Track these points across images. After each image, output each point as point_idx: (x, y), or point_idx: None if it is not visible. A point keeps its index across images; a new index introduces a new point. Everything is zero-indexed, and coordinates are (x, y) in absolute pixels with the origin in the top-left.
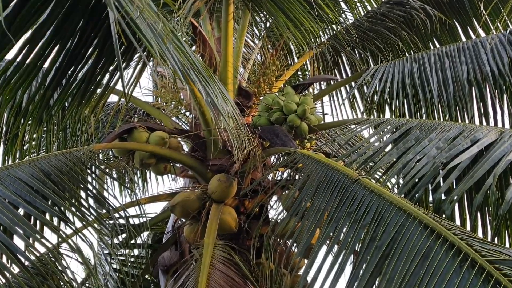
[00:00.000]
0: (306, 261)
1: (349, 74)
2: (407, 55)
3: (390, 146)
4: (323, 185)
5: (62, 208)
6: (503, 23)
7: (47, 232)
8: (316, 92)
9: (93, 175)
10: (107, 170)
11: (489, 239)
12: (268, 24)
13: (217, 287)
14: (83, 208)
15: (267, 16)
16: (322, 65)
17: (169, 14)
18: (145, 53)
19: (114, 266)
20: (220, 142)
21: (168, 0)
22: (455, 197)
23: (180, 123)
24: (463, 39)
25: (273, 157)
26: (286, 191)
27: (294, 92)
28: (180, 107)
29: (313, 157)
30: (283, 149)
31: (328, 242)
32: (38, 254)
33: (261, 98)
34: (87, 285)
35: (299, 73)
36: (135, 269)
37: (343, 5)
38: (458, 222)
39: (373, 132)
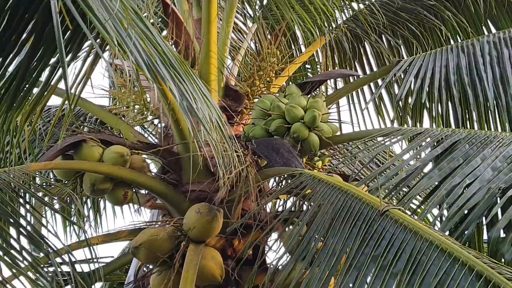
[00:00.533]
0: None
1: (374, 69)
2: (452, 43)
3: (430, 165)
4: (339, 218)
5: None
6: None
7: None
8: (330, 92)
9: (27, 206)
10: (46, 199)
11: None
12: (265, 1)
13: None
14: (13, 251)
15: None
16: (338, 56)
17: None
18: (98, 40)
19: None
20: (200, 161)
21: None
22: None
23: (146, 135)
24: None
25: (272, 180)
26: (290, 227)
27: (300, 93)
28: (145, 112)
29: (326, 180)
30: (285, 170)
31: None
32: None
33: (256, 100)
34: None
35: (308, 67)
36: None
37: None
38: None
39: (407, 146)
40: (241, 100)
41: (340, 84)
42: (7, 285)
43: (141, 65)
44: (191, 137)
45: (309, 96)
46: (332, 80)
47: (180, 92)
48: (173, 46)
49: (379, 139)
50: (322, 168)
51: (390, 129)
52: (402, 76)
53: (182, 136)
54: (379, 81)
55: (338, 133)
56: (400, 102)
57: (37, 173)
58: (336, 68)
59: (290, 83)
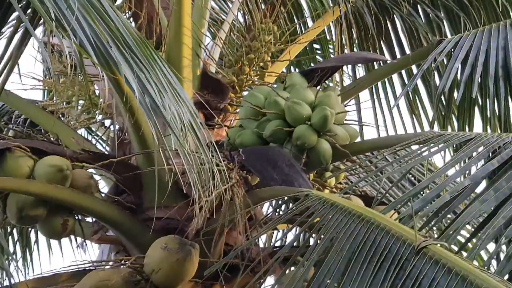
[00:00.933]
0: None
1: (407, 52)
2: None
3: (483, 184)
4: (359, 257)
5: None
6: None
7: None
8: (347, 83)
9: None
10: None
11: None
12: None
13: None
14: None
15: None
16: (357, 33)
17: None
18: (28, 11)
19: None
20: (167, 177)
21: None
22: None
23: (94, 141)
24: None
25: (266, 205)
26: (292, 269)
27: (306, 84)
28: (93, 111)
29: (341, 205)
30: (284, 191)
31: None
32: None
33: (245, 94)
34: None
35: (316, 47)
36: None
37: None
38: None
39: (452, 158)
40: (224, 93)
41: (360, 72)
42: None
43: (86, 46)
44: (156, 145)
45: (318, 88)
46: (349, 67)
47: (140, 83)
48: (131, 20)
49: (414, 147)
50: (336, 187)
51: (428, 134)
52: (445, 61)
53: (143, 143)
54: (414, 68)
55: (358, 140)
56: (442, 97)
57: None
58: (355, 50)
59: (292, 70)
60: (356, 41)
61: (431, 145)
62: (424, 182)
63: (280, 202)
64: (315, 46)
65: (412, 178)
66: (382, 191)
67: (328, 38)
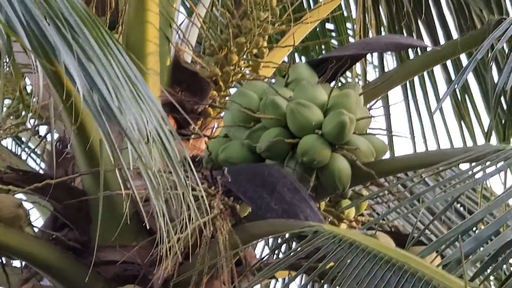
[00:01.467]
0: None
1: (454, 36)
2: None
3: None
4: None
5: None
6: None
7: None
8: (371, 79)
9: None
10: None
11: None
12: None
13: None
14: None
15: None
16: (386, 10)
17: None
18: None
19: None
20: (125, 206)
21: None
22: None
23: (25, 155)
24: None
25: (261, 244)
26: None
27: (317, 79)
28: (23, 114)
29: (362, 245)
30: (286, 225)
31: None
32: None
33: (233, 92)
34: None
35: (330, 28)
36: None
37: None
38: None
39: None
40: (203, 91)
41: (390, 63)
42: None
43: (15, 25)
44: (109, 161)
45: (332, 85)
46: (375, 56)
47: (87, 76)
48: None
49: (463, 167)
50: (357, 220)
51: (483, 149)
52: (506, 49)
53: (92, 159)
54: (463, 59)
55: (387, 156)
56: (502, 99)
57: None
58: (382, 33)
59: (297, 59)
60: (385, 21)
61: (487, 163)
62: (477, 215)
63: (279, 240)
64: (328, 26)
65: (461, 209)
66: (419, 226)
67: (346, 16)
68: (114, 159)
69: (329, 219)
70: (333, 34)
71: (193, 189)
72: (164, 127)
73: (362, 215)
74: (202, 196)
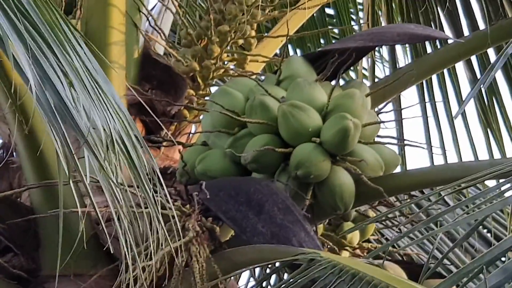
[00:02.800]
0: None
1: (481, 26)
2: None
3: None
4: None
5: None
6: None
7: None
8: (381, 77)
9: None
10: None
11: None
12: None
13: None
14: None
15: None
16: None
17: None
18: None
19: None
20: (81, 227)
21: None
22: None
23: None
24: None
25: (246, 274)
26: None
27: (314, 76)
28: None
29: (368, 277)
30: (276, 252)
31: None
32: None
33: (214, 91)
34: None
35: (330, 13)
36: None
37: None
38: None
39: None
40: (178, 89)
41: (404, 58)
42: None
43: None
44: (63, 173)
45: (334, 83)
46: (386, 49)
47: (39, 69)
48: None
49: (490, 184)
50: (362, 247)
51: None
52: None
53: (43, 170)
54: (491, 53)
55: (399, 170)
56: None
57: None
58: (395, 22)
59: (291, 52)
60: (399, 7)
61: None
62: (506, 241)
63: (268, 270)
64: (329, 12)
65: (487, 234)
66: (436, 254)
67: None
68: (70, 169)
69: (328, 246)
70: (334, 21)
71: (163, 208)
72: (130, 132)
73: (368, 241)
74: (174, 216)
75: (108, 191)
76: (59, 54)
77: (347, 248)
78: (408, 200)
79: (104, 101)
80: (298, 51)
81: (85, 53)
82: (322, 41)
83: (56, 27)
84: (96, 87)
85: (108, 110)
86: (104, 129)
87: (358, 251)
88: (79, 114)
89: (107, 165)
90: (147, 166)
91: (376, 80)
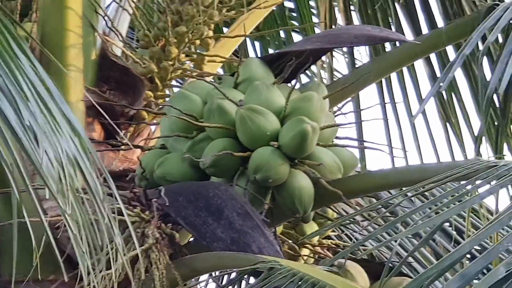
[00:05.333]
0: None
1: (439, 24)
2: None
3: None
4: None
5: None
6: None
7: None
8: (339, 77)
9: None
10: None
11: None
12: None
13: None
14: None
15: None
16: None
17: None
18: None
19: None
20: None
21: None
22: None
23: None
24: None
25: (205, 280)
26: None
27: (272, 78)
28: None
29: (329, 281)
30: (236, 259)
31: None
32: None
33: (172, 94)
34: None
35: (292, 13)
36: None
37: None
38: None
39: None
40: (136, 90)
41: (363, 58)
42: None
43: None
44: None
45: (292, 85)
46: (343, 50)
47: None
48: None
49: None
50: (322, 244)
51: (472, 165)
52: (501, 40)
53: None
54: (450, 52)
55: (357, 171)
56: (495, 99)
57: None
58: (352, 18)
59: (250, 45)
60: (357, 5)
61: (477, 182)
62: (464, 246)
63: (227, 277)
64: (291, 13)
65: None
66: (400, 253)
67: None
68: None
69: (288, 243)
70: (294, 21)
71: (120, 213)
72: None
73: (328, 237)
74: (133, 222)
75: (58, 196)
76: (9, 84)
77: (307, 245)
78: (368, 204)
79: (57, 125)
80: (256, 43)
81: (38, 75)
82: (282, 35)
83: (7, 53)
84: (47, 90)
85: (63, 133)
86: (56, 159)
87: (318, 249)
88: (23, 119)
89: (58, 173)
90: (104, 170)
91: (334, 80)
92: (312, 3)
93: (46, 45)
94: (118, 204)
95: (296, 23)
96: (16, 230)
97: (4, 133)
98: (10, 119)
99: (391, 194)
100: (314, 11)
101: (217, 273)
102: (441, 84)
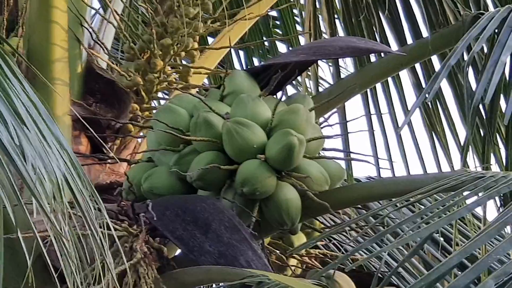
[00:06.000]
0: None
1: (424, 34)
2: None
3: None
4: None
5: None
6: None
7: None
8: (325, 86)
9: None
10: None
11: None
12: None
13: None
14: None
15: None
16: (342, 2)
17: None
18: None
19: None
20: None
21: None
22: None
23: None
24: None
25: None
26: None
27: (258, 91)
28: None
29: None
30: (224, 273)
31: None
32: None
33: (159, 107)
34: None
35: (275, 21)
36: None
37: None
38: None
39: (499, 215)
40: (122, 103)
41: (348, 68)
42: None
43: None
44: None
45: (279, 97)
46: (330, 62)
47: None
48: None
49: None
50: (309, 254)
51: (459, 177)
52: (486, 50)
53: None
54: (435, 62)
55: (343, 183)
56: (481, 109)
57: None
58: (337, 28)
59: (234, 63)
60: (342, 15)
61: (465, 193)
62: (452, 259)
63: None
64: (274, 22)
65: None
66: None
67: (296, 10)
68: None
69: (276, 254)
70: (278, 31)
71: (108, 228)
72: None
73: (316, 247)
74: (121, 237)
75: (44, 212)
76: (0, 102)
77: (296, 256)
78: (356, 215)
79: (45, 141)
80: (241, 52)
81: (27, 94)
82: (266, 43)
83: None
84: (32, 103)
85: (53, 152)
86: (44, 174)
87: (306, 259)
88: (24, 163)
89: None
90: (90, 184)
91: (319, 91)
92: (295, 11)
93: (32, 60)
94: (106, 218)
95: (279, 31)
96: (2, 245)
97: None
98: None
99: (380, 204)
100: (298, 19)
101: (205, 287)
102: (427, 95)
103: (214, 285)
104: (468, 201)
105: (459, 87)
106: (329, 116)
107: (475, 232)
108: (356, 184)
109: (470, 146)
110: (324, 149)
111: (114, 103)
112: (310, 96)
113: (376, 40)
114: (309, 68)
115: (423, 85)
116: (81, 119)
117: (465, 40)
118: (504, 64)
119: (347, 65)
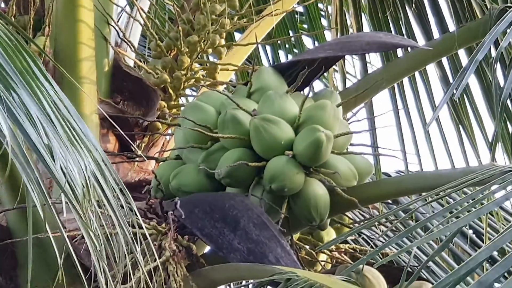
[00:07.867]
0: None
1: (451, 28)
2: None
3: None
4: None
5: None
6: None
7: None
8: (352, 82)
9: None
10: None
11: None
12: None
13: None
14: None
15: None
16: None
17: None
18: None
19: None
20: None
21: None
22: None
23: None
24: None
25: None
26: None
27: (285, 87)
28: None
29: None
30: (253, 270)
31: None
32: None
33: (186, 104)
34: None
35: (302, 16)
36: None
37: None
38: None
39: None
40: (150, 100)
41: (375, 63)
42: None
43: None
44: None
45: (306, 93)
46: (355, 56)
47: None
48: None
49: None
50: (339, 249)
51: (487, 171)
52: None
53: (16, 190)
54: (462, 56)
55: (371, 178)
56: (509, 105)
57: None
58: (363, 23)
59: (261, 59)
60: (367, 11)
61: (494, 187)
62: (481, 253)
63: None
64: (300, 17)
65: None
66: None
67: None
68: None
69: (305, 248)
70: (304, 18)
71: (136, 227)
72: (96, 146)
73: (345, 241)
74: (150, 235)
75: (76, 212)
76: (31, 102)
77: (326, 251)
78: (384, 211)
79: (77, 143)
80: (267, 47)
81: (57, 93)
82: (292, 39)
83: (26, 73)
84: (69, 129)
85: (83, 151)
86: (74, 173)
87: (335, 254)
88: (53, 162)
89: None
90: (119, 182)
91: (346, 87)
92: (321, 6)
93: (59, 59)
94: (136, 216)
95: (306, 26)
96: (31, 244)
97: (24, 149)
98: (32, 136)
99: (410, 198)
100: (323, 13)
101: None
102: (455, 91)
103: (243, 282)
104: (497, 195)
105: (486, 81)
106: (357, 112)
107: (503, 225)
108: (384, 179)
109: (498, 145)
110: (352, 145)
111: (142, 101)
112: (337, 92)
113: (402, 35)
114: (336, 63)
115: (450, 79)
116: (108, 117)
117: (492, 35)
118: None
119: (374, 60)
